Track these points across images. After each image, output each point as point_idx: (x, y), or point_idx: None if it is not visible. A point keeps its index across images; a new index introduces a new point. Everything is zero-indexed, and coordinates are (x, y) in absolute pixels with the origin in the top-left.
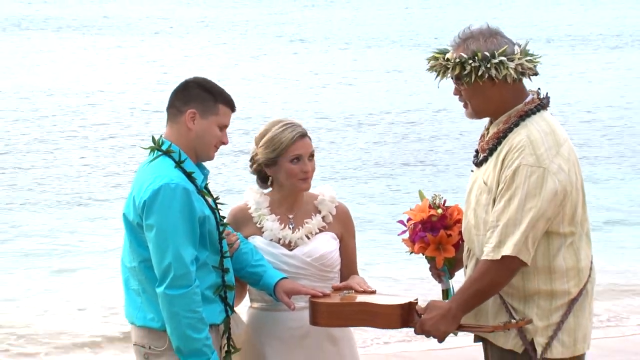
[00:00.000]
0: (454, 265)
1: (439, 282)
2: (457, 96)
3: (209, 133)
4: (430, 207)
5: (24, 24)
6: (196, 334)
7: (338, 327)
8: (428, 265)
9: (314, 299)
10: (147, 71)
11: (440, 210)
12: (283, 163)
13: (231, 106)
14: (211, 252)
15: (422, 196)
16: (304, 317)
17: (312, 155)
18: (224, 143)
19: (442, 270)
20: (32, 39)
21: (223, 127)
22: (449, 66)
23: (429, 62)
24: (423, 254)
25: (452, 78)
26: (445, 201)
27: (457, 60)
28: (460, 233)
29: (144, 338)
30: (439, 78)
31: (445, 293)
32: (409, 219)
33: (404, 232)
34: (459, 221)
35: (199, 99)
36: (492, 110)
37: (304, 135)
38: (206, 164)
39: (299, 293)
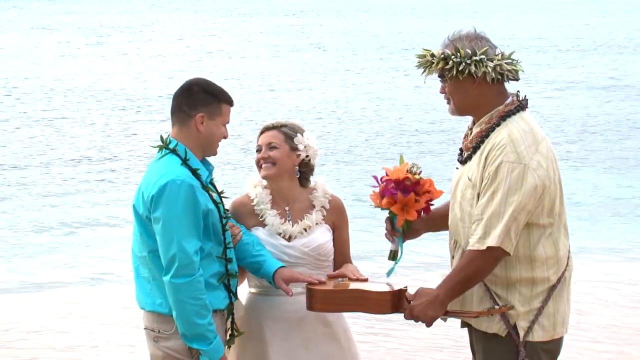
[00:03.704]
0: (409, 231)
1: (391, 242)
2: (443, 94)
3: (216, 132)
4: (407, 171)
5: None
6: (200, 319)
7: (332, 312)
8: (385, 225)
9: (311, 286)
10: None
11: (417, 177)
12: None
13: (231, 103)
14: (215, 243)
15: (402, 160)
16: (299, 302)
17: (271, 147)
18: (225, 137)
19: (397, 230)
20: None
21: (225, 124)
22: (434, 61)
23: (418, 58)
24: (388, 209)
25: (438, 75)
26: (421, 172)
27: (441, 55)
28: (426, 202)
29: (153, 322)
30: (425, 74)
31: (393, 254)
32: (382, 177)
33: (375, 186)
34: (428, 193)
35: (205, 103)
36: (473, 108)
37: (268, 128)
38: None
39: (297, 281)
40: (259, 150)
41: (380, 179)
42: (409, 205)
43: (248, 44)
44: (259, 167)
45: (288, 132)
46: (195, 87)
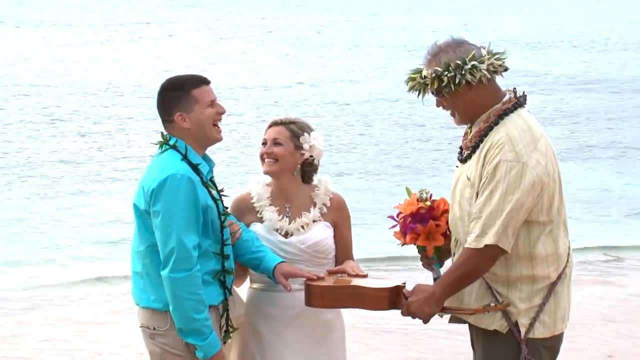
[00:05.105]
0: (443, 254)
1: (430, 270)
2: (440, 107)
3: (203, 118)
4: (418, 200)
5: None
6: (197, 314)
7: (331, 308)
8: (419, 256)
9: (309, 282)
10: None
11: (428, 203)
12: None
13: (202, 83)
14: (213, 241)
15: (409, 192)
16: (297, 298)
17: (276, 143)
18: (222, 113)
19: (432, 258)
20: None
21: (212, 104)
22: (427, 82)
23: (407, 83)
24: (415, 244)
25: (432, 92)
26: (431, 195)
27: (433, 75)
28: (447, 223)
29: (148, 320)
30: (420, 95)
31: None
32: (398, 214)
33: (394, 226)
34: (446, 211)
35: (176, 101)
36: (476, 112)
37: (277, 123)
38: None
39: (295, 276)
40: (264, 144)
41: (397, 216)
42: (433, 232)
43: (258, 42)
44: (262, 161)
45: (295, 130)
46: (163, 91)
